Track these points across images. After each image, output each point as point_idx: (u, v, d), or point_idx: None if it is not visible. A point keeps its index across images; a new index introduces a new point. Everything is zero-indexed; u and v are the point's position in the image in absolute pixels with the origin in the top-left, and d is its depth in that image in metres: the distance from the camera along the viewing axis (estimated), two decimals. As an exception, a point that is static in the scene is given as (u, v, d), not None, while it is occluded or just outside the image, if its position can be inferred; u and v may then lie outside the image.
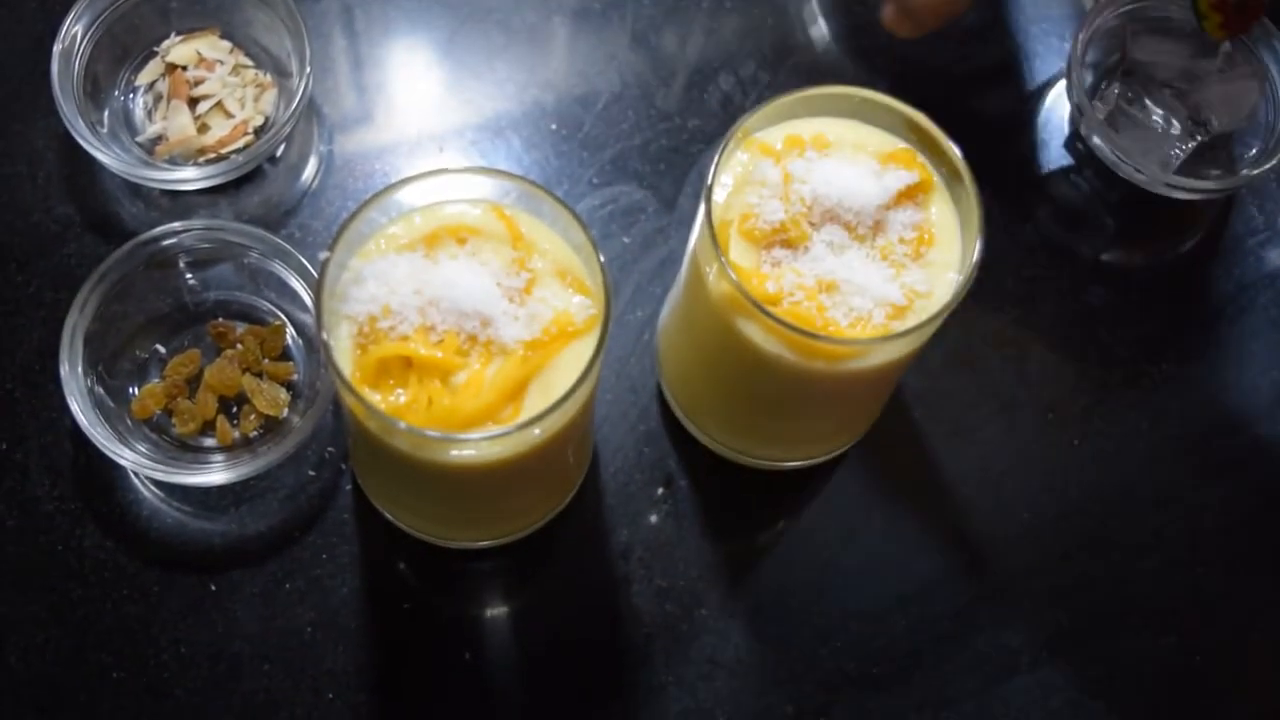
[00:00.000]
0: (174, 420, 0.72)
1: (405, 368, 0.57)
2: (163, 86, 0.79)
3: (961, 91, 0.86)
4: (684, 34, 0.86)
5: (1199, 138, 0.81)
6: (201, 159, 0.77)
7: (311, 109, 0.81)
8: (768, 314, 0.57)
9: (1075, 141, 0.85)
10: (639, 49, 0.84)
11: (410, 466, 0.59)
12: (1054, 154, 0.85)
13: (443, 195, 0.60)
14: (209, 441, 0.72)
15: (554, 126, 0.82)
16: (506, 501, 0.68)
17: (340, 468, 0.72)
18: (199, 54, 0.79)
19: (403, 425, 0.54)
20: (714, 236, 0.58)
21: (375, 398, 0.56)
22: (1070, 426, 0.78)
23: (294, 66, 0.77)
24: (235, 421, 0.72)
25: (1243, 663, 0.74)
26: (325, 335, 0.56)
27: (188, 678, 0.68)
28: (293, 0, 0.77)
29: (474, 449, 0.57)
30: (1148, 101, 0.81)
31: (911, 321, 0.60)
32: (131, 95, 0.80)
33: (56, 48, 0.75)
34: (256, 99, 0.79)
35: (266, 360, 0.73)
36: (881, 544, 0.74)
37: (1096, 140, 0.81)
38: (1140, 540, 0.76)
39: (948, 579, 0.74)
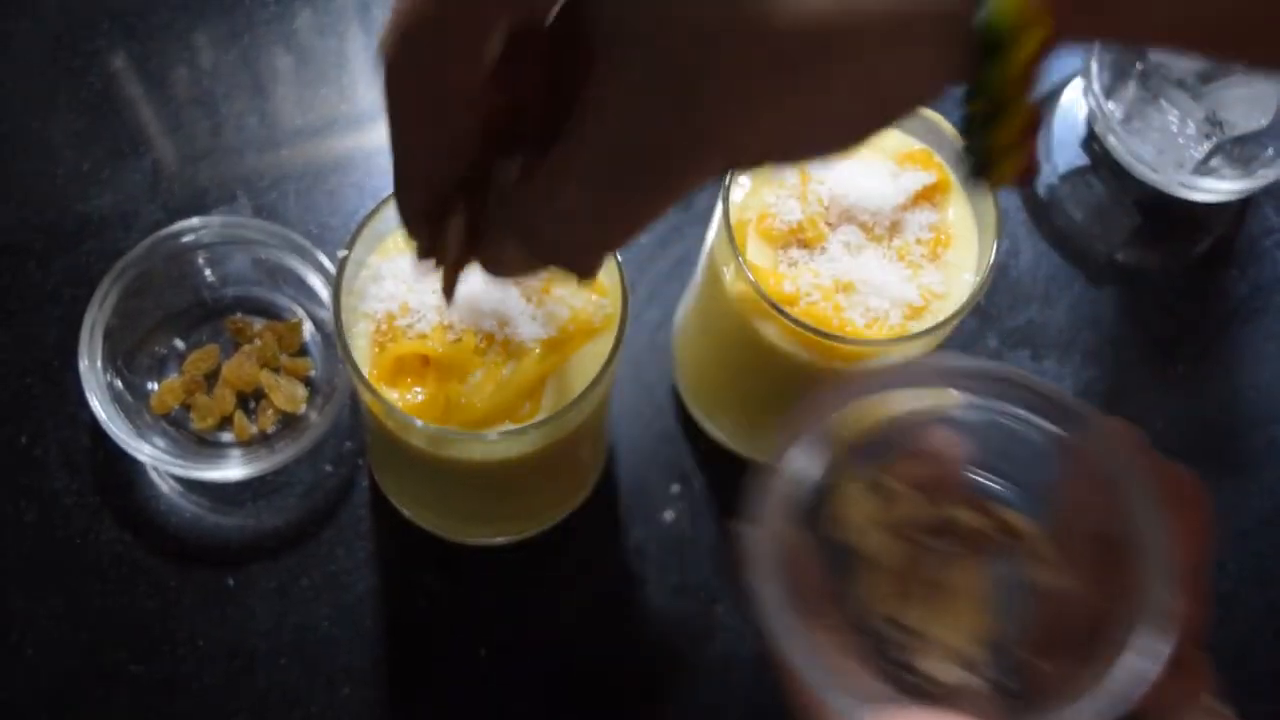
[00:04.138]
0: (192, 415, 0.72)
1: (423, 366, 0.57)
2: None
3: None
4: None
5: (1215, 139, 0.81)
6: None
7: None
8: (784, 314, 0.57)
9: (1091, 142, 0.85)
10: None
11: (427, 464, 0.60)
12: (1070, 154, 0.85)
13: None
14: (227, 437, 0.72)
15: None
16: (522, 499, 0.68)
17: (357, 464, 0.73)
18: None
19: (420, 423, 0.54)
20: (731, 236, 0.58)
21: (393, 395, 0.56)
22: (1084, 427, 0.77)
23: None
24: (253, 417, 0.73)
25: (1254, 665, 0.74)
26: (343, 333, 0.56)
27: (204, 672, 0.68)
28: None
29: (490, 447, 0.57)
30: (1164, 102, 0.81)
31: (928, 322, 0.60)
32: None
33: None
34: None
35: (284, 356, 0.74)
36: (895, 543, 0.74)
37: (1112, 141, 0.81)
38: (1154, 541, 0.75)
39: (961, 578, 0.74)
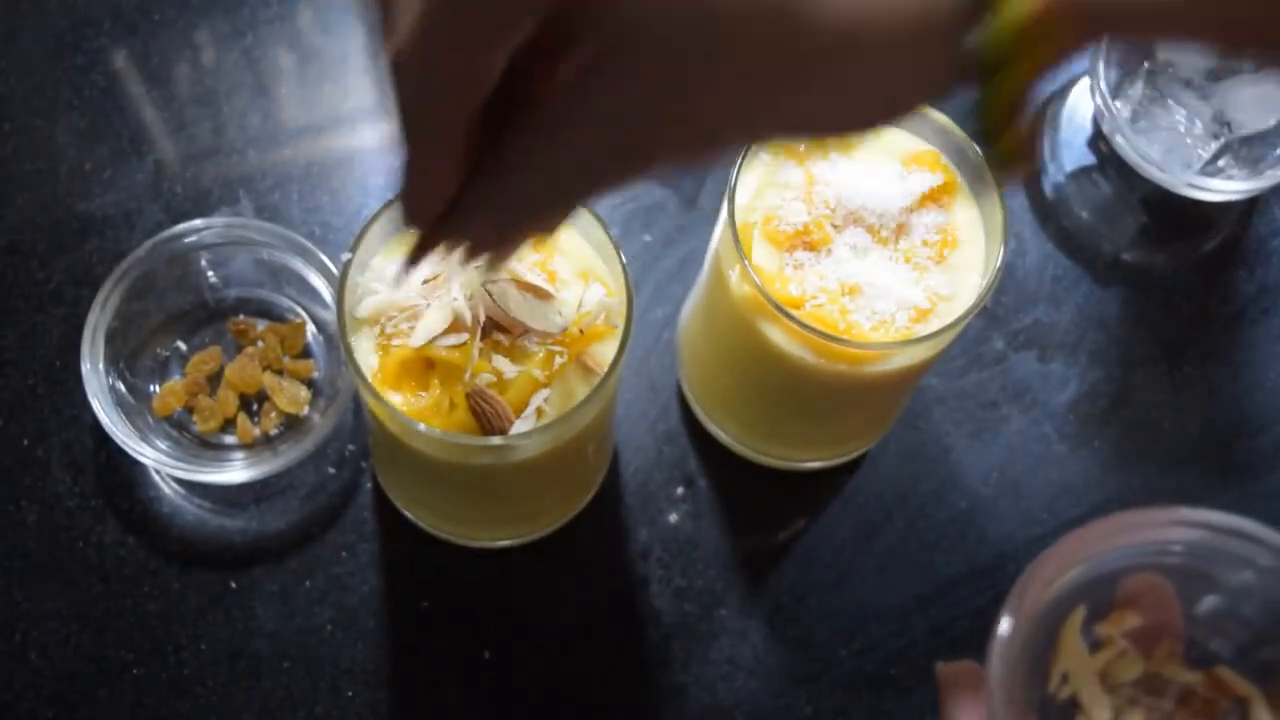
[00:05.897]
0: (195, 417, 0.72)
1: (426, 369, 0.57)
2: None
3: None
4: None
5: (1222, 138, 0.80)
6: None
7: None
8: (790, 317, 0.57)
9: (1098, 141, 0.84)
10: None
11: (430, 467, 0.59)
12: (1077, 153, 0.85)
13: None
14: (230, 439, 0.72)
15: (574, 124, 0.82)
16: (527, 501, 0.68)
17: (360, 466, 0.72)
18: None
19: (423, 427, 0.54)
20: (737, 239, 0.58)
21: (397, 399, 0.56)
22: (1091, 428, 0.77)
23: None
24: (256, 419, 0.72)
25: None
26: (347, 336, 0.56)
27: (207, 675, 0.68)
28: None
29: (494, 451, 0.57)
30: (1171, 101, 0.81)
31: (934, 325, 0.59)
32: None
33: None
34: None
35: (287, 358, 0.73)
36: (901, 545, 0.74)
37: (1119, 140, 0.81)
38: (1161, 543, 0.75)
39: (967, 580, 0.74)
